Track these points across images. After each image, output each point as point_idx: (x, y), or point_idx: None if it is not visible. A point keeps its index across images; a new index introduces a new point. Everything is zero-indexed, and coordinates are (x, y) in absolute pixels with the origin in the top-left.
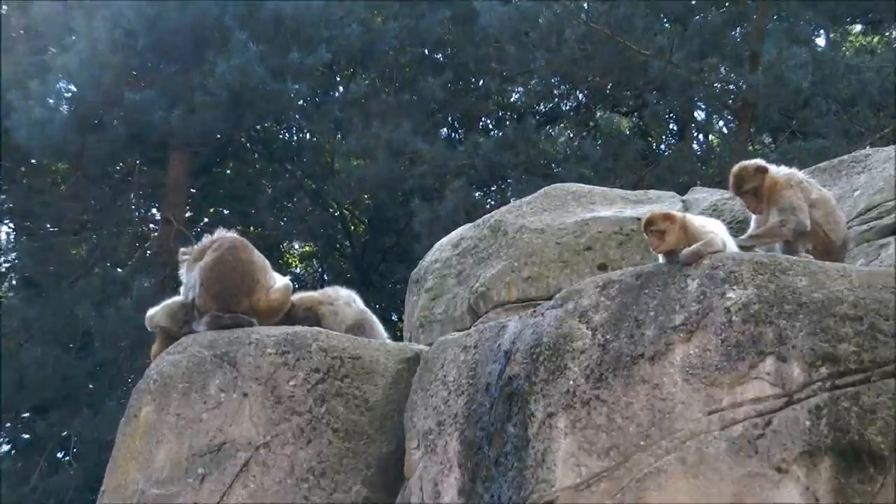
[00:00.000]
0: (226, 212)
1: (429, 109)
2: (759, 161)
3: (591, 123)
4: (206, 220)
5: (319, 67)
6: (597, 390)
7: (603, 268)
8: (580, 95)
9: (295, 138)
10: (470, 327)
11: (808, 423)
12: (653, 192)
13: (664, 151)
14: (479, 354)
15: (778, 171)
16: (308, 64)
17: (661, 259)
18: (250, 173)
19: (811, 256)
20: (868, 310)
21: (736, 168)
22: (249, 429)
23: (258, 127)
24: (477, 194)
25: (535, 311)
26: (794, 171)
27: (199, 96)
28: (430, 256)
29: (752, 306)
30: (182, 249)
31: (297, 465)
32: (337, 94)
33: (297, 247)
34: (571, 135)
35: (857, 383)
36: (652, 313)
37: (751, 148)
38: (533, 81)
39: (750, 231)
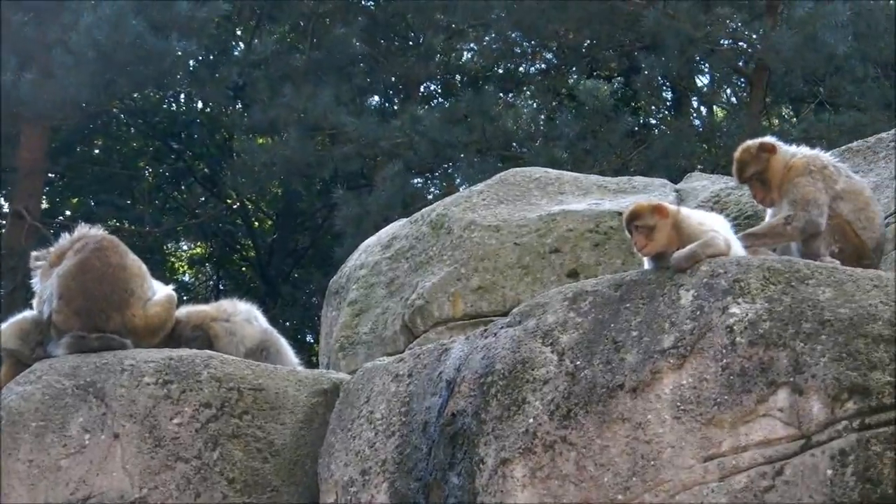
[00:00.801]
0: (93, 203)
1: (353, 72)
2: (767, 139)
3: (564, 91)
4: (67, 213)
5: (214, 20)
6: (564, 430)
7: (573, 275)
8: (549, 56)
9: (182, 109)
10: (404, 350)
11: (829, 472)
12: (639, 180)
13: (656, 128)
14: (415, 385)
15: (794, 152)
16: (200, 17)
17: (647, 264)
18: (125, 154)
19: (838, 262)
20: None
21: (739, 149)
22: (122, 479)
23: (135, 95)
24: (415, 182)
25: (486, 331)
26: (816, 152)
27: (58, 56)
28: (355, 261)
29: (762, 324)
30: (34, 253)
31: None
32: (237, 53)
33: (184, 248)
34: (538, 106)
35: (893, 422)
36: (634, 333)
37: (766, 123)
38: (488, 37)
39: (751, 229)
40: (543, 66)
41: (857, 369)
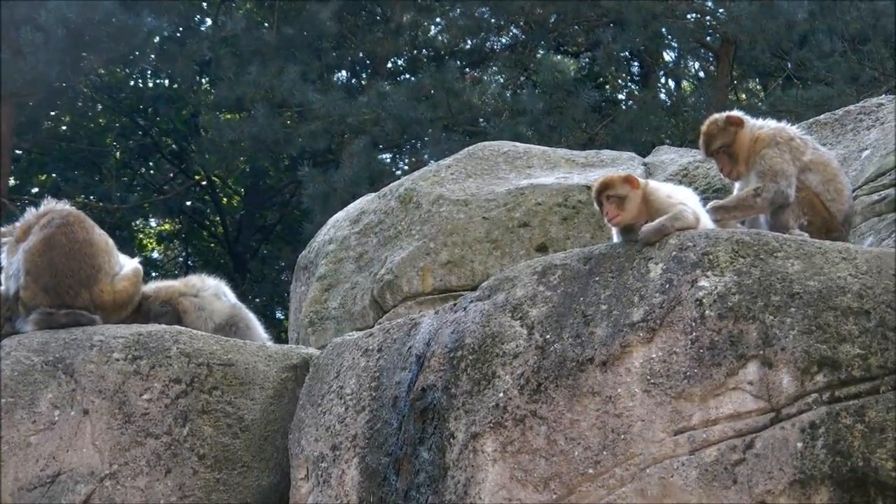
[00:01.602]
0: (60, 179)
1: (321, 48)
2: (733, 112)
3: (531, 67)
4: (34, 189)
5: None
6: (534, 404)
7: (542, 249)
8: (516, 31)
9: (149, 85)
10: (373, 325)
11: (800, 444)
12: (607, 153)
13: (624, 102)
14: (385, 360)
15: (760, 125)
16: None
17: (615, 237)
18: (92, 130)
19: (806, 234)
20: (878, 302)
21: (706, 122)
22: (92, 455)
23: (101, 71)
24: (383, 158)
25: (455, 305)
26: (783, 125)
27: (27, 33)
28: (323, 236)
29: (731, 297)
30: (1, 229)
31: (153, 500)
32: (203, 28)
33: (153, 224)
34: (504, 81)
35: (862, 394)
36: (604, 307)
37: (733, 97)
38: (455, 13)
39: (717, 202)
40: (510, 41)
41: (827, 342)
